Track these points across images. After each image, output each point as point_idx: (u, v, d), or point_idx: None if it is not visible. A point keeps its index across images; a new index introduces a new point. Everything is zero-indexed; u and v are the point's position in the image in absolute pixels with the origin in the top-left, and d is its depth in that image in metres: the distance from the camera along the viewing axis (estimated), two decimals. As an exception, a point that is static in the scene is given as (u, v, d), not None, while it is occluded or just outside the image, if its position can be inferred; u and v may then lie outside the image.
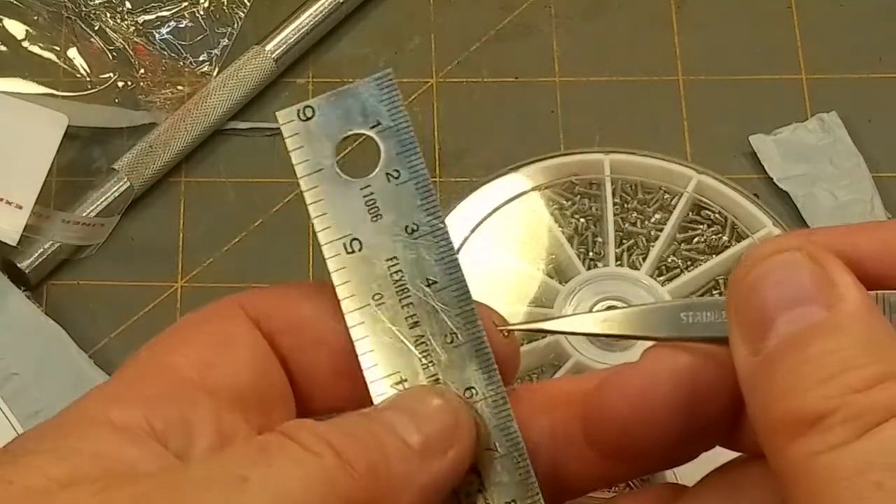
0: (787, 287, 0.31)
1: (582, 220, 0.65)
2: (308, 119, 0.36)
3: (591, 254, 0.65)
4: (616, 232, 0.65)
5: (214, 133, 0.70)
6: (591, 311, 0.62)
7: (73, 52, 0.71)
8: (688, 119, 0.70)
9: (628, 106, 0.70)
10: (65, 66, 0.71)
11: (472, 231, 0.64)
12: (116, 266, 0.67)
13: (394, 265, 0.36)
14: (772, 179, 0.67)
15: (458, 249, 0.63)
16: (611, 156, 0.66)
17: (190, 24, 0.72)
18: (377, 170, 0.36)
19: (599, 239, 0.65)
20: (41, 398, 0.61)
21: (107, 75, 0.70)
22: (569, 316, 0.49)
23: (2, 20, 0.71)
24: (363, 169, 0.36)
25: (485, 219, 0.65)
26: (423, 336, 0.36)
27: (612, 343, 0.61)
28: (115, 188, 0.67)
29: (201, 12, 0.72)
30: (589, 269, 0.64)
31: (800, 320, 0.31)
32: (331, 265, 0.36)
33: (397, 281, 0.36)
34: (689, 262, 0.65)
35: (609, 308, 0.62)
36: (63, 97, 0.70)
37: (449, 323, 0.36)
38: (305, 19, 0.71)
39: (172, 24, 0.72)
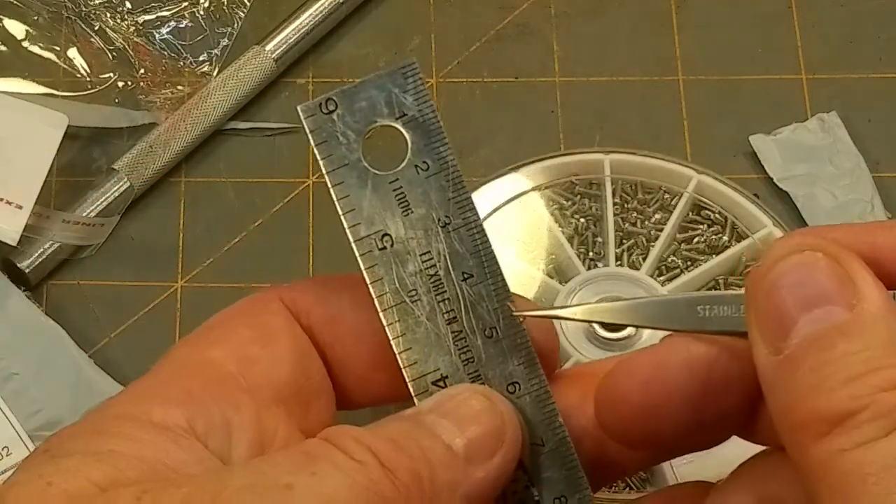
0: (808, 287, 0.31)
1: (582, 220, 0.65)
2: (330, 112, 0.35)
3: (591, 254, 0.65)
4: (616, 232, 0.65)
5: (214, 133, 0.70)
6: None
7: (73, 52, 0.71)
8: (688, 119, 0.70)
9: (628, 106, 0.70)
10: (65, 66, 0.71)
11: (472, 231, 0.64)
12: (116, 266, 0.67)
13: (428, 260, 0.35)
14: (772, 179, 0.67)
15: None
16: (611, 156, 0.66)
17: (190, 24, 0.72)
18: (405, 162, 0.35)
19: (599, 239, 0.65)
20: (41, 398, 0.61)
21: (107, 75, 0.70)
22: (584, 304, 0.48)
23: (2, 20, 0.71)
24: (391, 161, 0.35)
25: (485, 219, 0.64)
26: (461, 332, 0.35)
27: (612, 342, 0.61)
28: (115, 188, 0.67)
29: (201, 12, 0.72)
30: (589, 269, 0.64)
31: (822, 320, 0.31)
32: (362, 262, 0.35)
33: (432, 276, 0.35)
34: (689, 262, 0.65)
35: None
36: (63, 97, 0.70)
37: (488, 317, 0.35)
38: (305, 19, 0.71)
39: (172, 24, 0.72)
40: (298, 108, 0.35)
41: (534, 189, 0.66)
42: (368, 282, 0.35)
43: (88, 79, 0.70)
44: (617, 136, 0.69)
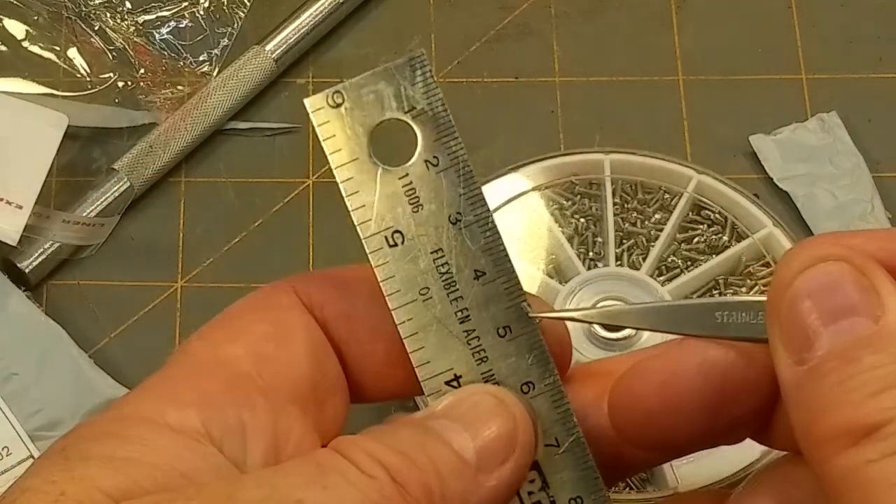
0: (833, 298, 0.31)
1: (582, 220, 0.65)
2: (338, 106, 0.34)
3: (591, 254, 0.65)
4: (616, 232, 0.65)
5: (214, 133, 0.70)
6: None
7: (73, 52, 0.71)
8: (688, 119, 0.70)
9: (628, 106, 0.70)
10: (65, 66, 0.71)
11: (472, 231, 0.64)
12: (116, 266, 0.67)
13: (439, 258, 0.34)
14: (772, 179, 0.67)
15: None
16: (611, 156, 0.66)
17: (190, 24, 0.72)
18: (415, 157, 0.34)
19: (599, 239, 0.65)
20: (41, 398, 0.61)
21: (107, 75, 0.70)
22: (600, 308, 0.48)
23: (2, 20, 0.71)
24: (400, 156, 0.34)
25: (485, 219, 0.64)
26: (473, 331, 0.34)
27: (613, 342, 0.61)
28: (115, 188, 0.67)
29: (201, 12, 0.72)
30: (589, 269, 0.64)
31: (847, 332, 0.31)
32: (373, 260, 0.34)
33: (444, 274, 0.34)
34: (689, 262, 0.65)
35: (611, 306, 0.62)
36: (63, 97, 0.70)
37: (501, 316, 0.35)
38: (305, 19, 0.71)
39: (172, 24, 0.72)
40: (305, 102, 0.34)
41: (534, 189, 0.66)
42: (379, 279, 0.34)
43: (88, 79, 0.70)
44: (617, 136, 0.69)
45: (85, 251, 0.67)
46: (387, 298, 0.34)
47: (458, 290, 0.35)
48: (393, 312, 0.34)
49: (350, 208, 0.34)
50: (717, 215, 0.65)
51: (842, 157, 0.67)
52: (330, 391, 0.36)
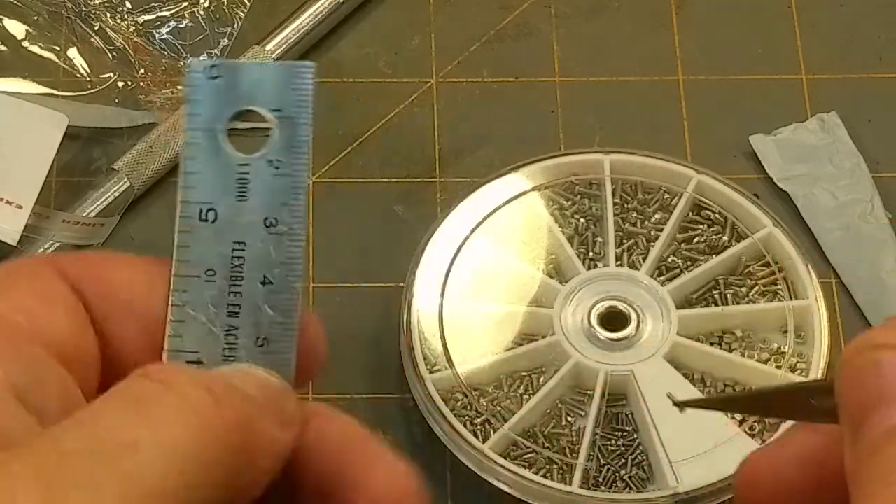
0: (893, 380, 0.32)
1: (582, 220, 0.65)
2: (214, 79, 0.35)
3: (591, 254, 0.65)
4: (616, 232, 0.65)
5: (214, 133, 0.69)
6: (591, 310, 0.62)
7: (73, 52, 0.71)
8: (688, 119, 0.70)
9: (628, 106, 0.70)
10: (65, 66, 0.71)
11: (472, 231, 0.64)
12: (116, 266, 0.67)
13: (238, 249, 0.35)
14: (772, 179, 0.67)
15: (458, 249, 0.63)
16: (611, 156, 0.66)
17: (190, 24, 0.72)
18: (261, 153, 0.35)
19: (599, 239, 0.65)
20: (41, 398, 0.61)
21: (107, 75, 0.70)
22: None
23: (2, 20, 0.71)
24: (250, 147, 0.35)
25: (485, 219, 0.64)
26: (237, 329, 0.35)
27: (613, 343, 0.61)
28: (115, 188, 0.67)
29: (201, 12, 0.72)
30: (589, 269, 0.64)
31: None
32: (179, 225, 0.35)
33: (235, 266, 0.35)
34: (689, 262, 0.65)
35: (610, 311, 0.62)
36: (63, 97, 0.70)
37: (266, 327, 0.35)
38: (305, 19, 0.71)
39: (172, 24, 0.72)
40: (190, 62, 0.35)
41: (534, 189, 0.66)
42: (175, 245, 0.35)
43: (88, 79, 0.70)
44: (617, 136, 0.69)
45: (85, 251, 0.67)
46: (174, 264, 0.35)
47: (241, 286, 0.35)
48: (173, 279, 0.35)
49: (182, 171, 0.35)
50: (717, 215, 0.65)
51: (842, 157, 0.67)
52: (91, 364, 0.35)
